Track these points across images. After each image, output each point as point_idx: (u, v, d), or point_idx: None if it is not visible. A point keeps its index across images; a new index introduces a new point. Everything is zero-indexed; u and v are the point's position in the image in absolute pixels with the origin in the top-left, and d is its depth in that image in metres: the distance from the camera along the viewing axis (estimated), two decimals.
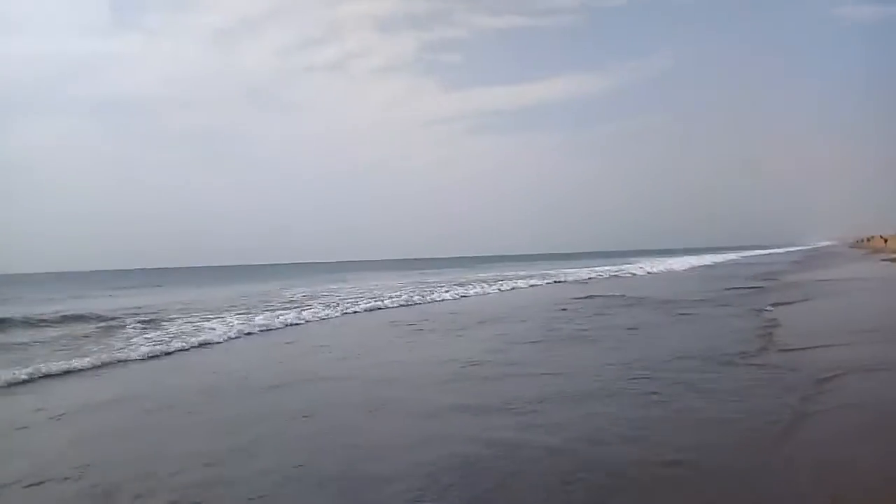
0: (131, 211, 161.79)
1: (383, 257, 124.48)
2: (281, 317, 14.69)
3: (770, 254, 63.09)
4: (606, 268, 39.73)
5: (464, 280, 30.75)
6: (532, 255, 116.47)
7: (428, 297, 20.22)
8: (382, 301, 18.76)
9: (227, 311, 16.74)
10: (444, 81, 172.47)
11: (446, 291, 22.26)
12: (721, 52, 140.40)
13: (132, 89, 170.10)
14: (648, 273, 34.09)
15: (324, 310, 16.38)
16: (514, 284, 26.16)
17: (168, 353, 10.16)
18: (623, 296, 17.08)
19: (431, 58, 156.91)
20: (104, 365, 9.03)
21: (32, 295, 33.05)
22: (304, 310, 16.38)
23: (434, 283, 29.52)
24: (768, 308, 11.98)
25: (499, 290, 23.89)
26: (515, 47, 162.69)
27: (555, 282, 28.08)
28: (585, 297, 17.20)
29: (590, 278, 29.60)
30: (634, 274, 33.28)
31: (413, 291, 22.42)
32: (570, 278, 29.91)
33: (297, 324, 14.09)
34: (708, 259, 51.48)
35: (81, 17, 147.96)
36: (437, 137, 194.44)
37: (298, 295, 23.17)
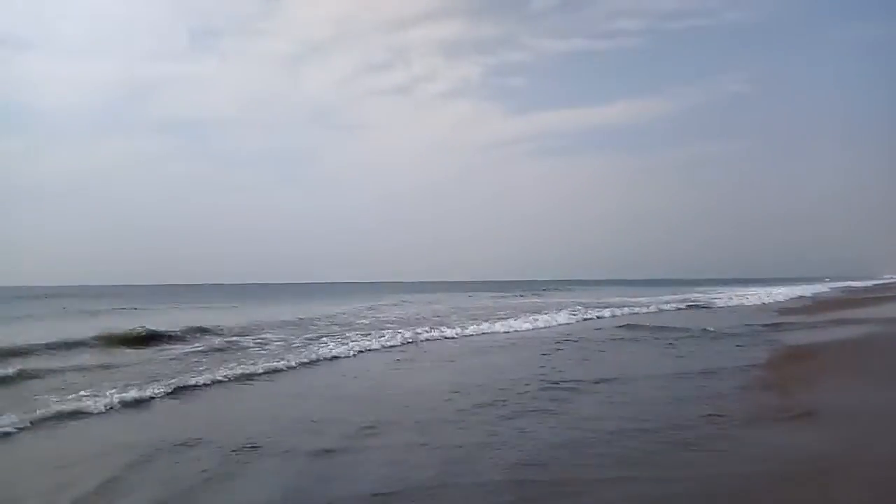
0: (197, 227, 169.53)
1: (446, 279, 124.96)
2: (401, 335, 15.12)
3: (866, 286, 57.07)
4: (694, 295, 38.52)
5: (556, 303, 30.56)
6: (597, 280, 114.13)
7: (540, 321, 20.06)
8: (492, 323, 18.90)
9: (334, 326, 17.35)
10: (507, 105, 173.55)
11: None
12: (799, 74, 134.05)
13: (205, 111, 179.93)
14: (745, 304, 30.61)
15: (449, 330, 16.88)
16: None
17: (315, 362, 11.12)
18: None
19: (496, 82, 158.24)
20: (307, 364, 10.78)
21: (144, 307, 34.44)
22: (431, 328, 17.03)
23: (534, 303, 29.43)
24: None
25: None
26: (579, 70, 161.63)
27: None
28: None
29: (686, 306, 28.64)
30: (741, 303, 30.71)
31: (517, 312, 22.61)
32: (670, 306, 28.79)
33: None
34: (803, 290, 43.70)
35: (161, 43, 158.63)
36: (499, 160, 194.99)
37: (395, 313, 23.78)
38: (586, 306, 26.49)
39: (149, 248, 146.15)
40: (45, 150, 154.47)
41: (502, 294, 47.51)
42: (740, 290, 45.00)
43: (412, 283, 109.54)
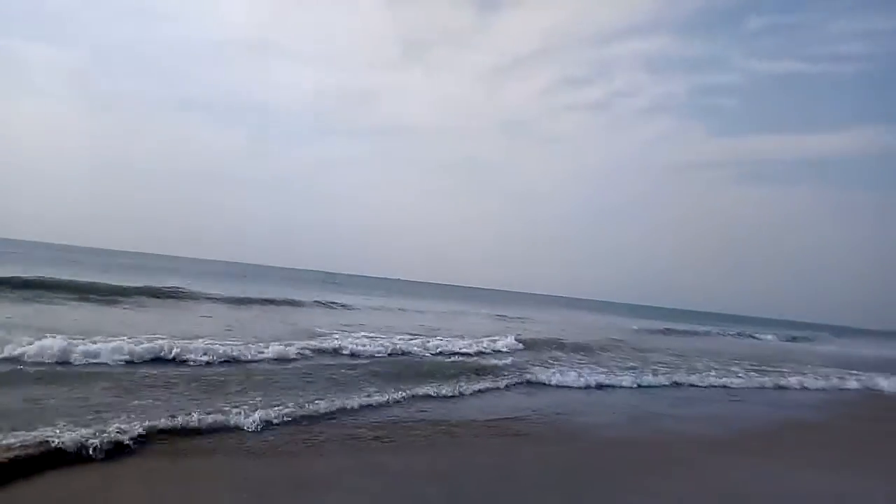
0: (393, 225, 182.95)
1: (631, 301, 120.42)
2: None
3: None
4: None
5: None
6: (810, 323, 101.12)
7: None
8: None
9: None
10: (712, 126, 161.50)
11: None
12: None
13: (409, 118, 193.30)
14: None
15: None
16: None
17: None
18: None
19: (702, 101, 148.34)
20: None
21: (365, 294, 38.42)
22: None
23: None
24: None
25: None
26: (795, 94, 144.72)
27: None
28: None
29: None
30: None
31: None
32: None
33: None
34: None
35: (375, 54, 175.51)
36: (699, 182, 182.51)
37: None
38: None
39: (352, 239, 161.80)
40: (273, 144, 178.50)
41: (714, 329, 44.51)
42: None
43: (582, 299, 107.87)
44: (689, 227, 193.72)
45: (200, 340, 10.27)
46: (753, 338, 39.10)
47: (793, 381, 15.21)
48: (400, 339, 13.97)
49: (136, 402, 6.53)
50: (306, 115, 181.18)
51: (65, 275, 20.41)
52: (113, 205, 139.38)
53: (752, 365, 17.68)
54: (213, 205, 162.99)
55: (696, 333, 35.23)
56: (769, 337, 41.22)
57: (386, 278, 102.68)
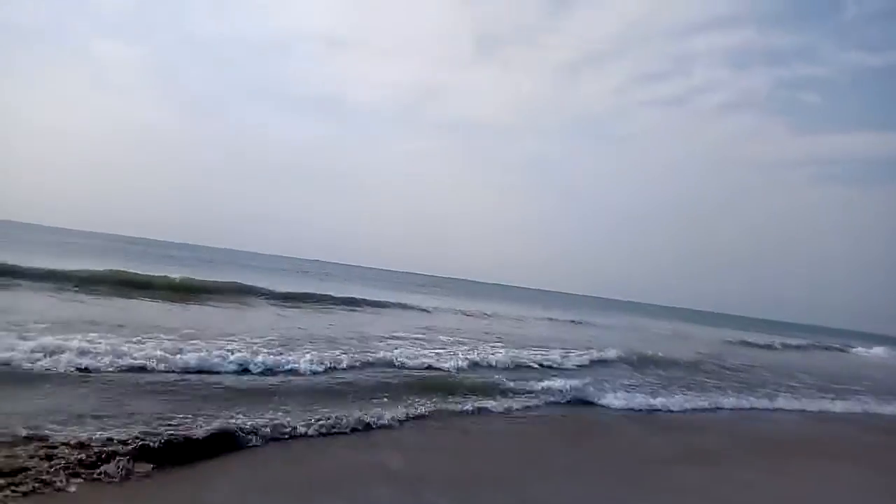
0: (464, 223, 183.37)
1: (697, 307, 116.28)
2: None
3: None
4: None
5: None
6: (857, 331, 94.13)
7: None
8: None
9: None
10: (795, 122, 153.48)
11: None
12: None
13: (483, 115, 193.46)
14: None
15: None
16: None
17: None
18: None
19: (786, 95, 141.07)
20: None
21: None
22: None
23: None
24: None
25: None
26: (890, 89, 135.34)
27: None
28: None
29: None
30: None
31: None
32: None
33: None
34: None
35: (449, 50, 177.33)
36: (778, 182, 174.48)
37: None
38: None
39: (418, 236, 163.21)
40: (347, 139, 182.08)
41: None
42: None
43: (648, 304, 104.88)
44: (765, 230, 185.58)
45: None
46: (842, 351, 36.65)
47: None
48: (525, 352, 13.62)
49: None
50: (381, 110, 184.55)
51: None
52: (182, 197, 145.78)
53: None
54: (284, 199, 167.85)
55: (791, 347, 33.21)
56: (878, 350, 38.55)
57: (450, 277, 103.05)
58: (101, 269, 17.85)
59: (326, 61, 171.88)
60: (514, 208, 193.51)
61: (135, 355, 7.99)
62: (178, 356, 8.29)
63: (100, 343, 8.18)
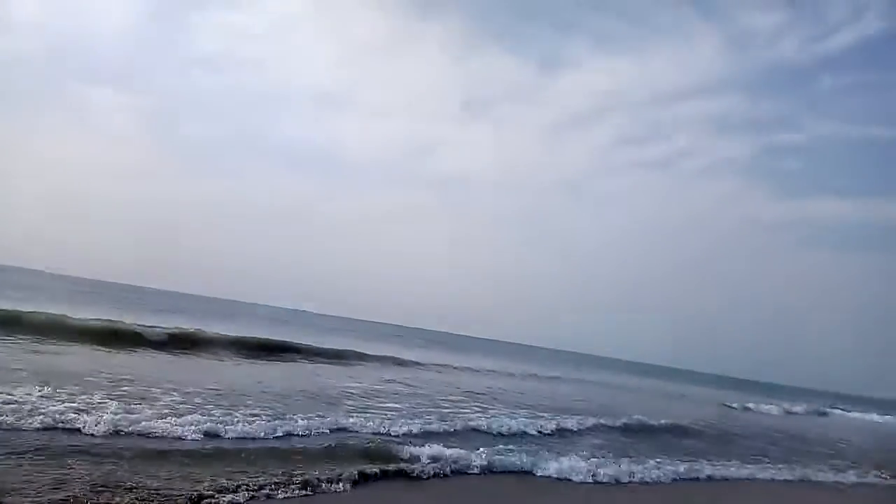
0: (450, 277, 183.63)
1: (690, 367, 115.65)
2: None
3: None
4: None
5: None
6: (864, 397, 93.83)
7: None
8: None
9: None
10: (778, 187, 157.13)
11: None
12: None
13: (471, 172, 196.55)
14: None
15: None
16: None
17: None
18: None
19: (767, 161, 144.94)
20: None
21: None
22: None
23: None
24: None
25: None
26: (872, 158, 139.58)
27: None
28: None
29: None
30: None
31: None
32: None
33: None
34: None
35: (439, 107, 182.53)
36: (759, 245, 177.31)
37: None
38: None
39: (416, 292, 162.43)
40: (343, 194, 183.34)
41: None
42: None
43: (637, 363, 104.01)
44: (747, 290, 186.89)
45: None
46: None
47: None
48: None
49: None
50: (370, 165, 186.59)
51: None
52: (169, 246, 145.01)
53: None
54: (272, 249, 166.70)
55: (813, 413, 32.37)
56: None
57: (433, 330, 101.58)
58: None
59: (319, 117, 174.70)
60: (499, 262, 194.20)
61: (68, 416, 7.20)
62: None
63: None
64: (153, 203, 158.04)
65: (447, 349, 44.53)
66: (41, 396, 7.78)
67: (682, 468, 10.27)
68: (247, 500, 5.58)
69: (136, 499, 5.15)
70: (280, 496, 5.83)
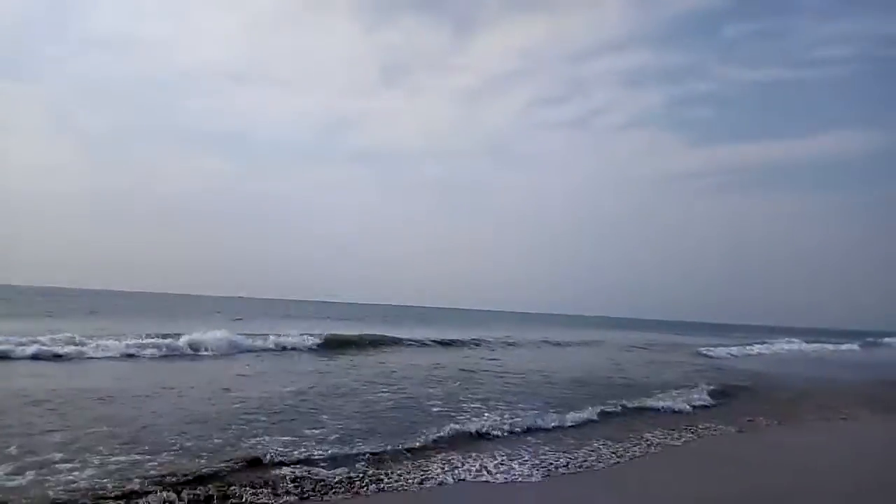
0: (376, 248, 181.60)
1: (618, 314, 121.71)
2: None
3: None
4: None
5: None
6: (772, 326, 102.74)
7: None
8: None
9: None
10: (690, 137, 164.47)
11: None
12: None
13: (393, 141, 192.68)
14: None
15: None
16: None
17: None
18: None
19: (681, 112, 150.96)
20: None
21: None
22: None
23: None
24: None
25: None
26: (774, 101, 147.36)
27: None
28: None
29: None
30: None
31: None
32: None
33: None
34: None
35: (356, 79, 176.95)
36: (677, 194, 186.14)
37: None
38: None
39: (333, 264, 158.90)
40: (256, 174, 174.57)
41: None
42: None
43: (582, 315, 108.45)
44: (672, 239, 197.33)
45: None
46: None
47: None
48: None
49: None
50: (287, 142, 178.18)
51: None
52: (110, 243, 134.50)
53: None
54: (193, 238, 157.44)
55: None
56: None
57: (369, 304, 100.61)
58: None
59: (230, 97, 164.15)
60: (433, 231, 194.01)
61: None
62: None
63: None
64: (62, 199, 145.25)
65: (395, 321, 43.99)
66: None
67: None
68: None
69: None
70: None
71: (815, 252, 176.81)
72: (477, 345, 26.30)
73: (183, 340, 16.45)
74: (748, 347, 35.40)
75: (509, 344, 28.23)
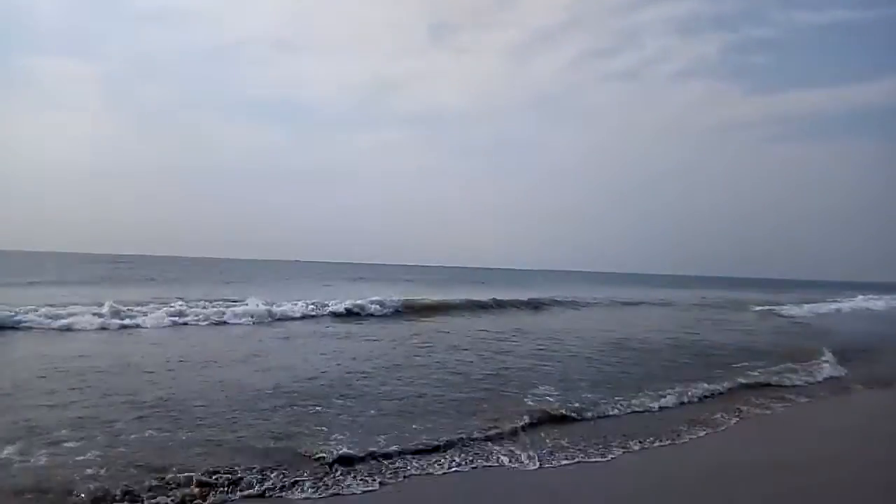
0: (428, 213, 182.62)
1: (669, 272, 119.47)
2: None
3: None
4: None
5: None
6: (836, 282, 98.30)
7: None
8: None
9: None
10: (748, 85, 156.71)
11: None
12: None
13: (442, 103, 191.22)
14: None
15: None
16: None
17: None
18: None
19: (736, 60, 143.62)
20: None
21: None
22: None
23: None
24: None
25: None
26: (837, 45, 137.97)
27: None
28: None
29: None
30: None
31: None
32: None
33: None
34: None
35: (403, 41, 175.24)
36: (735, 144, 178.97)
37: None
38: None
39: (386, 230, 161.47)
40: (305, 140, 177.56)
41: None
42: None
43: (629, 273, 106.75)
44: (727, 191, 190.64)
45: None
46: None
47: None
48: None
49: None
50: (338, 107, 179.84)
51: None
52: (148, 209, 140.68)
53: None
54: (253, 203, 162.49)
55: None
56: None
57: (430, 265, 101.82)
58: None
59: (278, 65, 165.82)
60: (484, 192, 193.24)
61: None
62: None
63: None
64: (119, 173, 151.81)
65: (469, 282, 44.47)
66: None
67: None
68: None
69: None
70: None
71: (880, 202, 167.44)
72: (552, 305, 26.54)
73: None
74: (817, 305, 33.62)
75: (585, 304, 28.12)
